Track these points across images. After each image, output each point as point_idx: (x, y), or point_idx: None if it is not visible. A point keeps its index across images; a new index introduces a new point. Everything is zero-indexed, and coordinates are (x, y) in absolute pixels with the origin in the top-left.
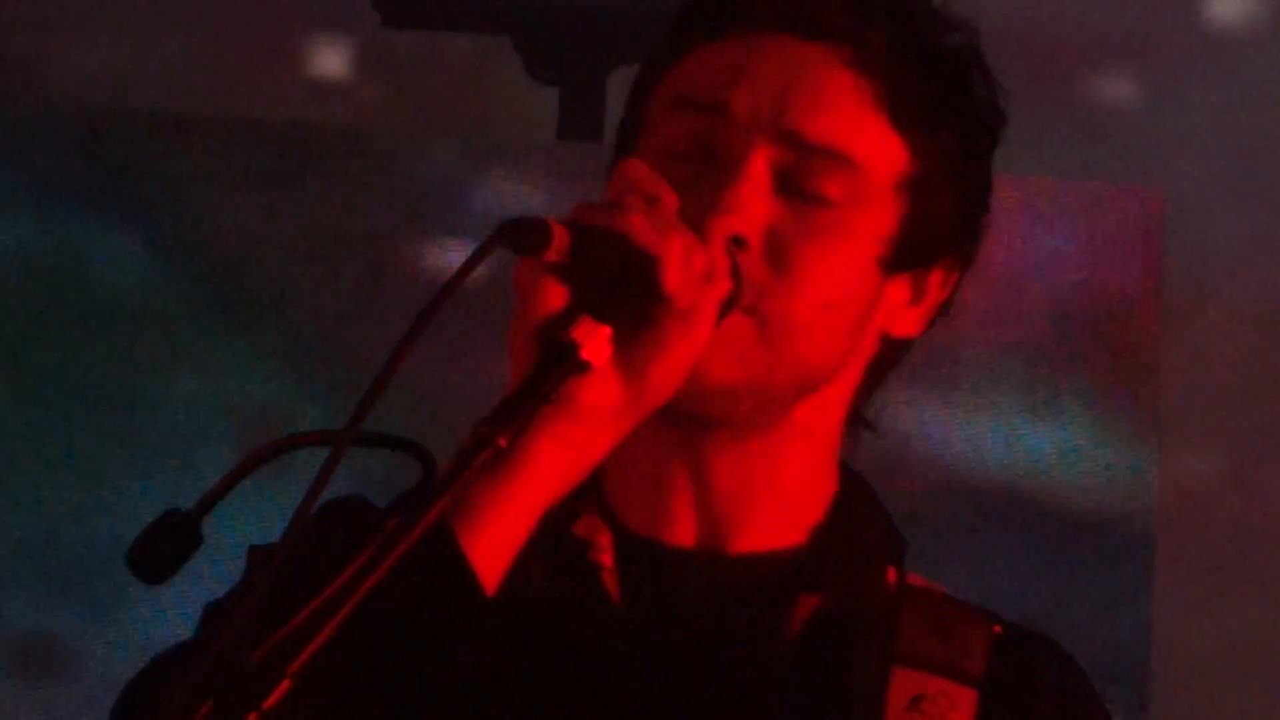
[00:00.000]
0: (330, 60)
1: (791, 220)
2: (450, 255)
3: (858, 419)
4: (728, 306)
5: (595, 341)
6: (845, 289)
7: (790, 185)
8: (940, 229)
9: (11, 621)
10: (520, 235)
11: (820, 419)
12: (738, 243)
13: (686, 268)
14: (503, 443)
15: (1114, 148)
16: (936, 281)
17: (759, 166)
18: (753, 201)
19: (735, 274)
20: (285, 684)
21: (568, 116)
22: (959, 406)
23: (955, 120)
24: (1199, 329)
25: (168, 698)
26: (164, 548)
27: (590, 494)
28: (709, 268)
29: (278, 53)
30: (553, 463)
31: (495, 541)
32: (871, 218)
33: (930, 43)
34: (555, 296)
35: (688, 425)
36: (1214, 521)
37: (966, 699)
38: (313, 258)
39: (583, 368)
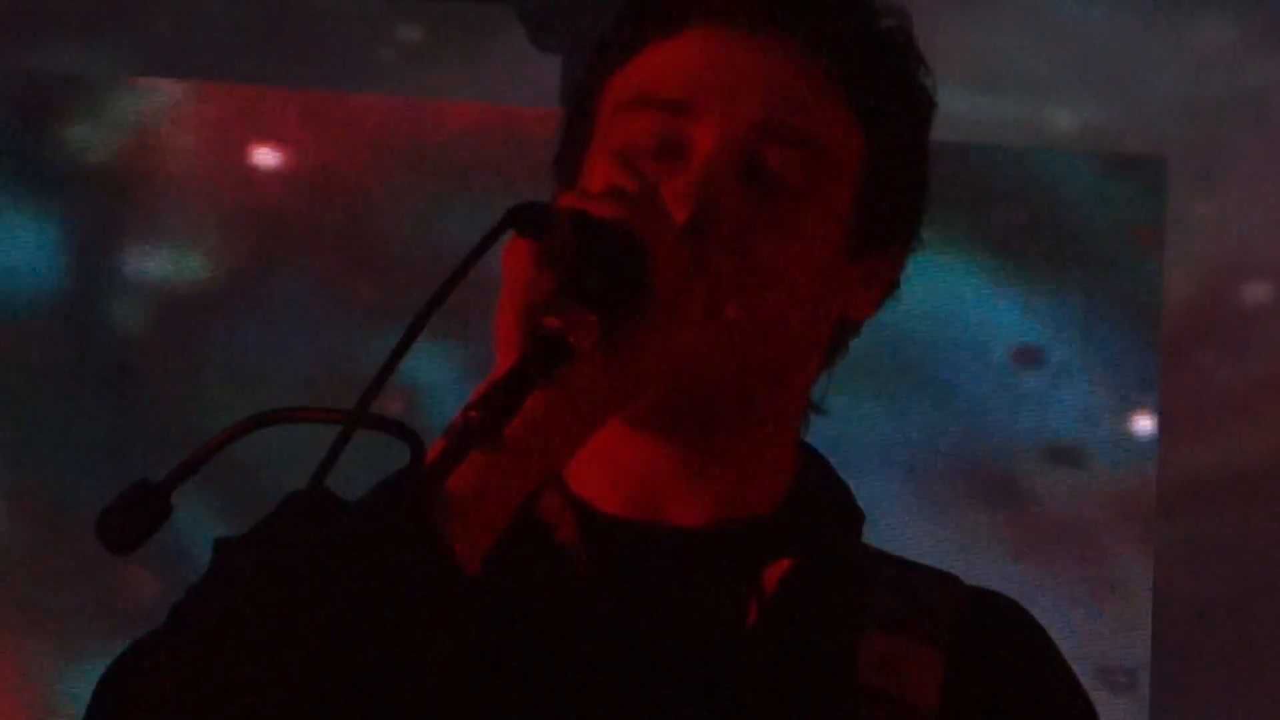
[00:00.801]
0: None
1: (758, 208)
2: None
3: (809, 402)
4: (709, 306)
5: (581, 328)
6: (813, 275)
7: (755, 173)
8: (894, 209)
9: None
10: (529, 220)
11: (786, 406)
12: (694, 229)
13: (675, 259)
14: (489, 426)
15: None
16: (888, 264)
17: (725, 157)
18: (722, 192)
19: (718, 271)
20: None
21: (570, 85)
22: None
23: (902, 100)
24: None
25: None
26: (133, 517)
27: (552, 480)
28: (697, 261)
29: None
30: (535, 448)
31: (477, 526)
32: (834, 201)
33: (873, 27)
34: (543, 281)
35: (661, 415)
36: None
37: (935, 660)
38: (312, 218)
39: (568, 354)
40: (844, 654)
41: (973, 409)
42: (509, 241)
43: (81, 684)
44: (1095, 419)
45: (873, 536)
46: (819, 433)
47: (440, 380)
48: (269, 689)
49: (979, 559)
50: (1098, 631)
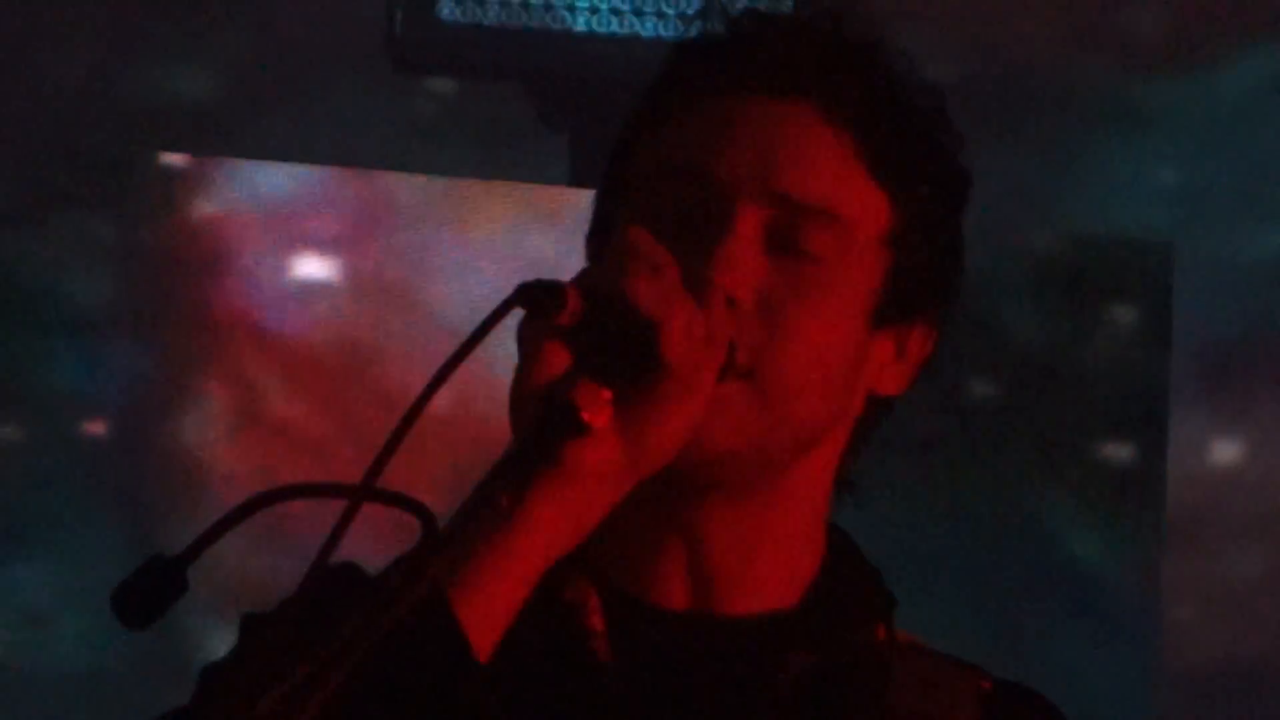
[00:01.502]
0: (343, 104)
1: (781, 279)
2: (463, 298)
3: (841, 481)
4: (725, 372)
5: (596, 405)
6: (837, 346)
7: (778, 244)
8: (921, 283)
9: None
10: (538, 297)
11: (812, 480)
12: (730, 303)
13: (688, 335)
14: (504, 503)
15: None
16: (918, 338)
17: (749, 228)
18: (745, 262)
19: (733, 344)
20: None
21: (580, 163)
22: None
23: (931, 174)
24: None
25: None
26: (149, 592)
27: (578, 556)
28: (709, 335)
29: (292, 95)
30: (551, 525)
31: (490, 606)
32: (859, 273)
33: (902, 98)
34: (558, 358)
35: (681, 494)
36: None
37: None
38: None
39: (583, 430)
40: None
41: None
42: (524, 319)
43: None
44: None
45: None
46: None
47: None
48: None
49: None
50: None
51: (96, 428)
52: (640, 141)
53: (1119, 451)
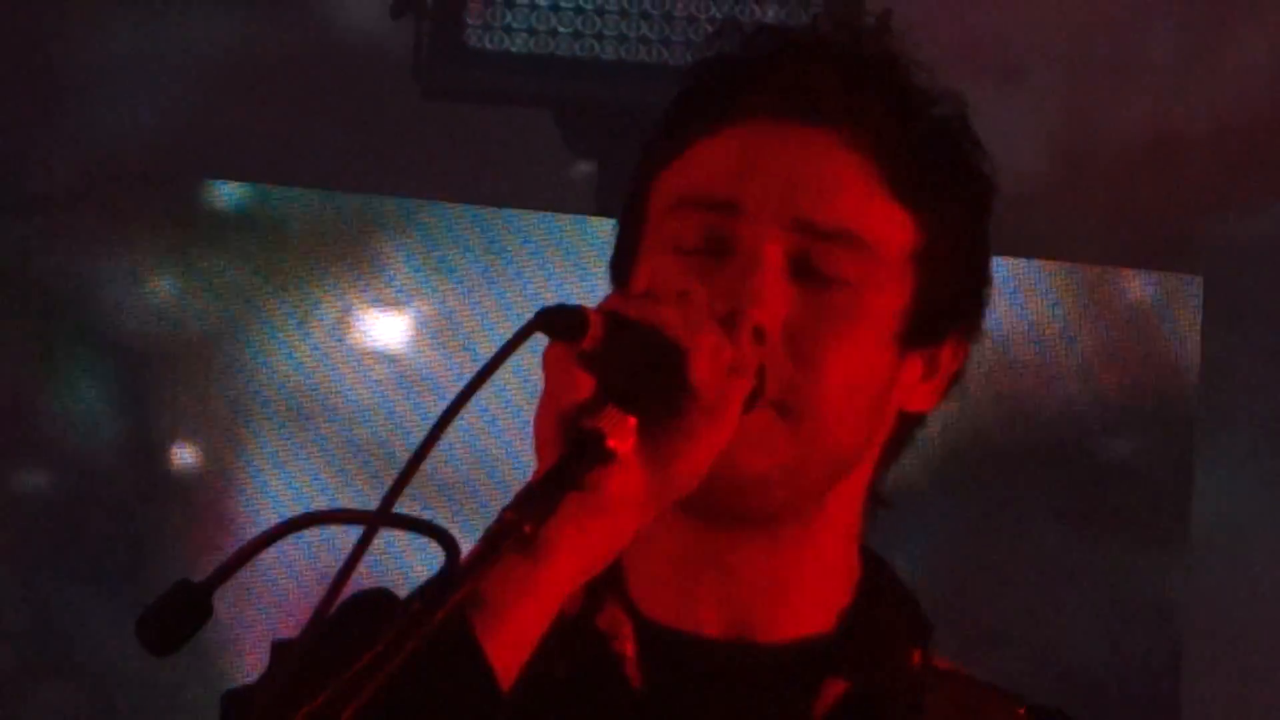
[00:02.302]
0: (371, 130)
1: (809, 307)
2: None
3: (874, 497)
4: (751, 401)
5: (621, 431)
6: (866, 371)
7: (805, 271)
8: (950, 301)
9: None
10: (559, 322)
11: (844, 505)
12: (759, 334)
13: (714, 362)
14: (528, 529)
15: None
16: (948, 355)
17: (774, 257)
18: (772, 293)
19: (760, 371)
20: None
21: (606, 191)
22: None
23: (956, 191)
24: None
25: None
26: (174, 619)
27: (613, 585)
28: (735, 363)
29: (319, 121)
30: (574, 552)
31: (514, 633)
32: (886, 296)
33: (924, 116)
34: (583, 384)
35: (712, 523)
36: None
37: None
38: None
39: (608, 457)
40: None
41: None
42: (550, 344)
43: None
44: None
45: None
46: None
47: None
48: None
49: None
50: None
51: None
52: (661, 169)
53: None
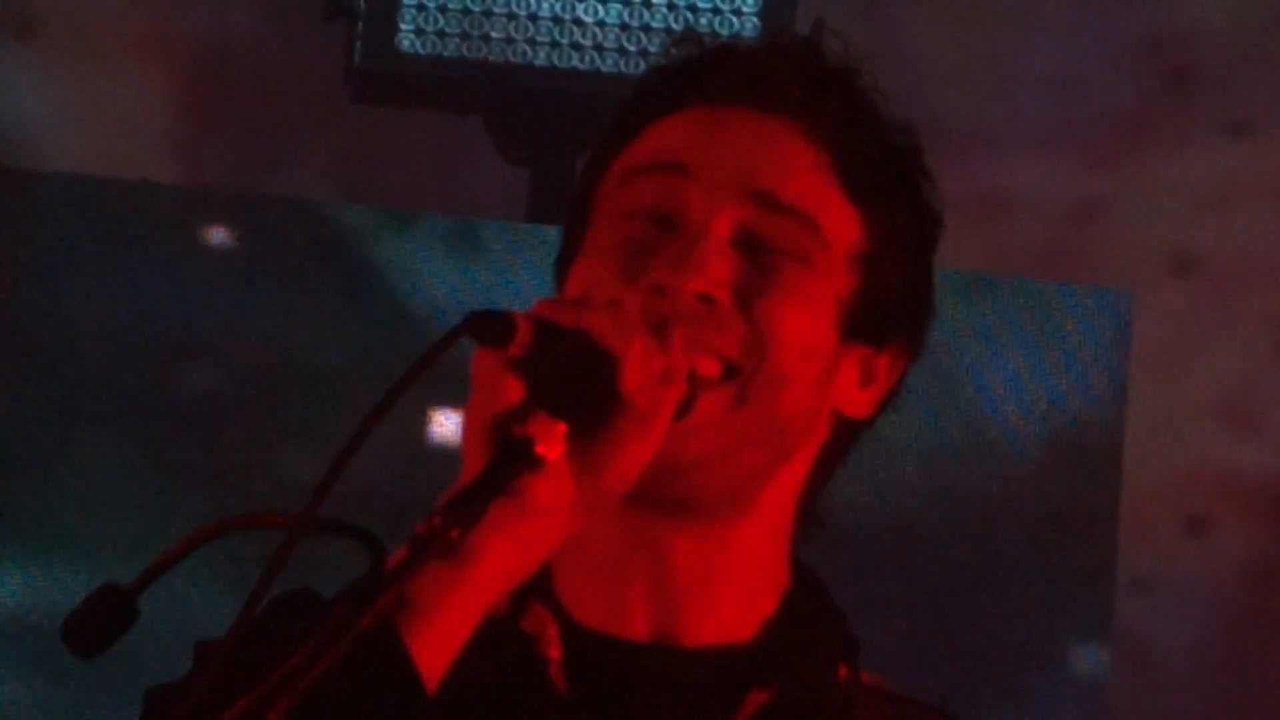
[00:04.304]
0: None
1: (760, 275)
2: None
3: (809, 514)
4: (684, 409)
5: (550, 438)
6: (816, 340)
7: (755, 243)
8: (890, 306)
9: None
10: (486, 327)
11: (777, 503)
12: (707, 300)
13: (645, 369)
14: (454, 535)
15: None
16: (885, 365)
17: (724, 225)
18: (720, 260)
19: (691, 378)
20: None
21: (537, 198)
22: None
23: (905, 202)
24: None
25: None
26: (99, 622)
27: (539, 587)
28: (667, 370)
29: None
30: (501, 557)
31: (440, 637)
32: (831, 281)
33: (879, 125)
34: (512, 390)
35: (649, 510)
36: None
37: None
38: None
39: (536, 463)
40: None
41: None
42: (478, 349)
43: None
44: None
45: None
46: None
47: None
48: None
49: None
50: None
51: None
52: (611, 158)
53: None
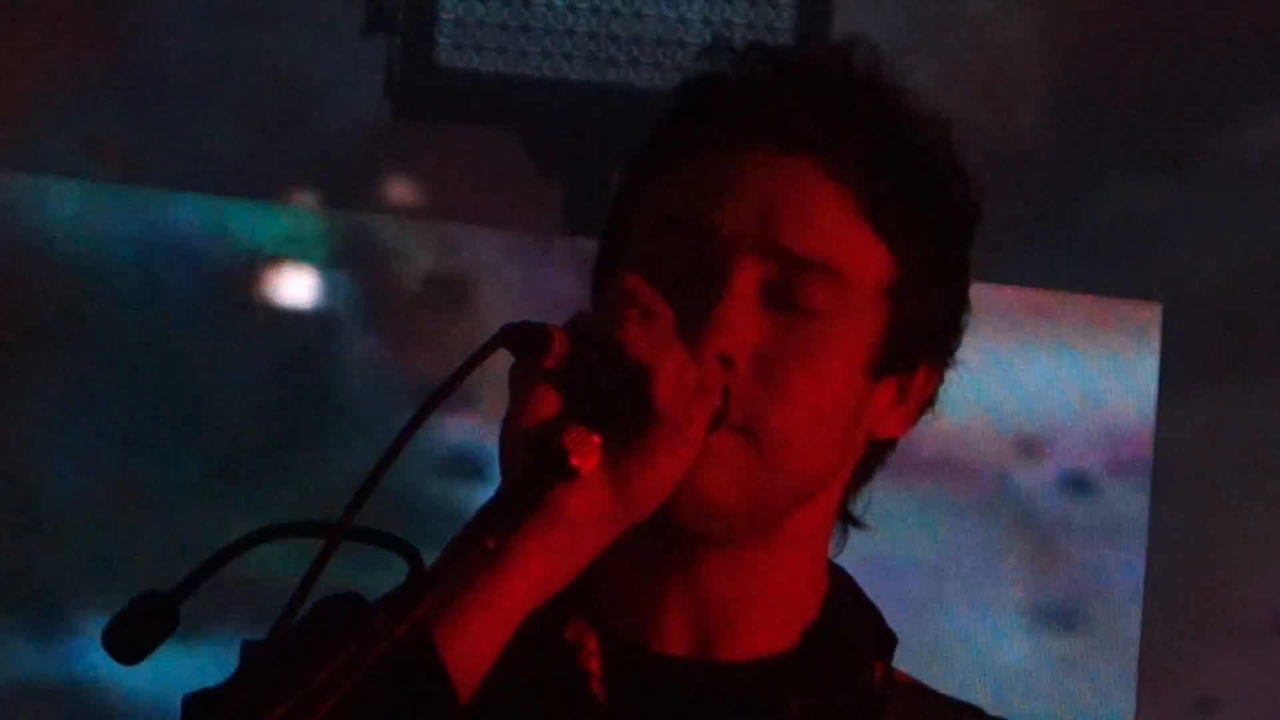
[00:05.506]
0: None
1: (779, 335)
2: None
3: (846, 517)
4: (716, 422)
5: (585, 449)
6: (834, 401)
7: (777, 298)
8: (923, 331)
9: None
10: (522, 339)
11: (812, 525)
12: (725, 362)
13: (679, 382)
14: (490, 544)
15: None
16: (920, 381)
17: (746, 283)
18: (741, 320)
19: (725, 392)
20: None
21: (573, 210)
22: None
23: (935, 221)
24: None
25: None
26: (140, 629)
27: (580, 599)
28: (700, 384)
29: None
30: (536, 567)
31: (474, 646)
32: (858, 326)
33: (906, 147)
34: (548, 401)
35: (681, 540)
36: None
37: None
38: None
39: (571, 474)
40: None
41: None
42: (515, 361)
43: None
44: None
45: None
46: None
47: None
48: None
49: None
50: None
51: None
52: (642, 188)
53: None
